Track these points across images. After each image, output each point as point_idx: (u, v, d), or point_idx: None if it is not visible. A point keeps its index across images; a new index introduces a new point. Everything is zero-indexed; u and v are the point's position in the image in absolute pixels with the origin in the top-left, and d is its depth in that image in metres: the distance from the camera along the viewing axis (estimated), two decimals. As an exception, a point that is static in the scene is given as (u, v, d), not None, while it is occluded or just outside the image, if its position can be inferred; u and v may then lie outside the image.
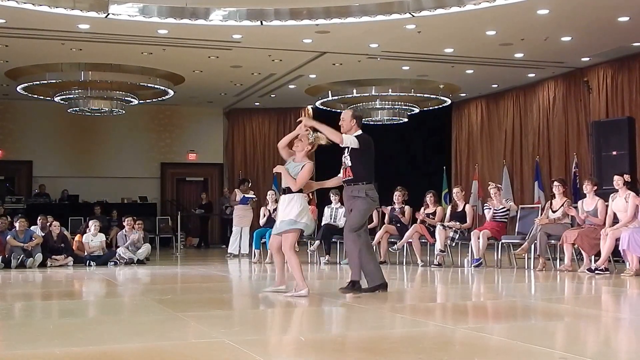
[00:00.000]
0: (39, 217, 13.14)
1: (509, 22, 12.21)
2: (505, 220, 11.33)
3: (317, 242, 12.32)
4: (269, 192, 13.60)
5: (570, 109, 16.14)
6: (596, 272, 9.30)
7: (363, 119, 18.90)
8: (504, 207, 11.25)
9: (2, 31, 12.47)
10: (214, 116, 21.07)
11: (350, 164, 7.25)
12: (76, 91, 16.45)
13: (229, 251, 14.22)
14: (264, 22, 11.90)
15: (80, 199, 19.34)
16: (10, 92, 17.35)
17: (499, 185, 12.13)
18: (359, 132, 7.36)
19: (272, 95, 18.71)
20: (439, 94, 17.69)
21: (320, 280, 9.11)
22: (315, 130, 7.23)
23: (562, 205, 10.40)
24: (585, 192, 10.28)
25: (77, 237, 13.21)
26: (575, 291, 8.27)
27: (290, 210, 7.01)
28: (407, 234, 11.53)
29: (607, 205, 9.81)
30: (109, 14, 11.48)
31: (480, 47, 13.88)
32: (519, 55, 14.50)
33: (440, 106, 18.69)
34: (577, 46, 13.76)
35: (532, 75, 16.55)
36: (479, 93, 18.67)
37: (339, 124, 7.40)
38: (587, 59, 14.84)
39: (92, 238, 12.86)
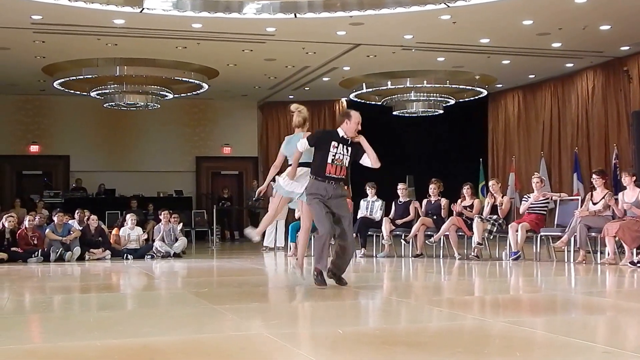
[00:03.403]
0: (77, 211, 13.32)
1: (546, 11, 12.03)
2: (544, 212, 11.16)
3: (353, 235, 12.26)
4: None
5: (610, 99, 15.85)
6: (638, 265, 9.13)
7: (396, 111, 18.85)
8: (544, 198, 11.09)
9: (38, 27, 12.61)
10: (248, 109, 21.12)
11: (347, 165, 7.29)
12: (112, 86, 16.60)
13: (264, 244, 14.24)
14: (297, 15, 11.88)
15: (117, 193, 19.56)
16: (47, 87, 17.56)
17: (543, 177, 11.97)
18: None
19: (306, 88, 18.68)
20: (475, 85, 17.52)
21: (356, 273, 9.05)
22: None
23: (604, 197, 10.18)
24: (624, 184, 10.10)
25: (114, 231, 13.36)
26: (617, 284, 8.12)
27: None
28: (444, 226, 11.42)
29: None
30: (143, 9, 11.56)
31: (517, 37, 13.70)
32: (556, 44, 14.29)
33: (476, 97, 18.50)
34: (616, 35, 13.51)
35: (570, 65, 16.30)
36: (516, 84, 18.45)
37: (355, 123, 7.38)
38: (627, 47, 14.57)
39: (129, 232, 12.97)
